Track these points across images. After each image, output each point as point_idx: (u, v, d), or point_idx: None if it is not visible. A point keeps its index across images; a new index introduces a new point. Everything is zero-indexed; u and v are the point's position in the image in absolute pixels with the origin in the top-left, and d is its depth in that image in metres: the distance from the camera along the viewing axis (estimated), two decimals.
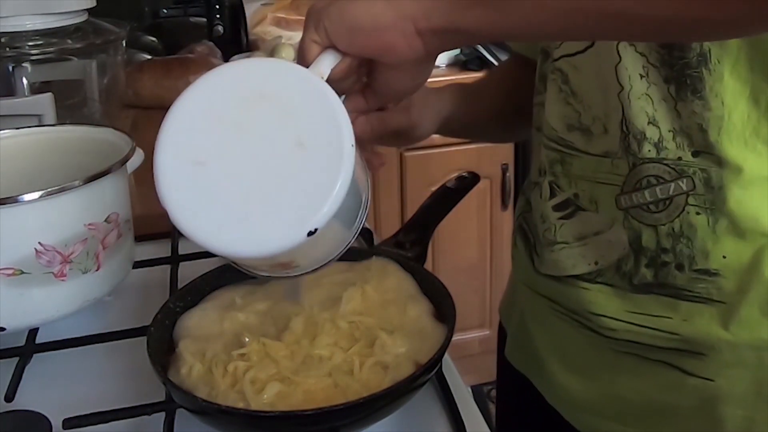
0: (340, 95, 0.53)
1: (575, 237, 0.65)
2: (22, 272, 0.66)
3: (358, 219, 0.54)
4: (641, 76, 0.59)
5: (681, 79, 0.57)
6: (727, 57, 0.56)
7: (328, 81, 0.51)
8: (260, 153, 0.48)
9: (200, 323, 0.64)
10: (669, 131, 0.59)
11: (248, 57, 1.65)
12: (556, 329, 0.71)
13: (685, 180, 0.59)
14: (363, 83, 0.56)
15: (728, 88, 0.56)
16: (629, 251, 0.62)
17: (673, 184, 0.59)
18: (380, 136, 0.64)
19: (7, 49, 1.05)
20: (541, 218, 0.68)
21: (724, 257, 0.59)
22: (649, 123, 0.59)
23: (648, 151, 0.59)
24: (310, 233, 0.46)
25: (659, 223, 0.60)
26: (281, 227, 0.47)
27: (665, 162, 0.59)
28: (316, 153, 0.47)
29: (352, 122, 0.49)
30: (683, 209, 0.59)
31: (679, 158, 0.59)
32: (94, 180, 0.68)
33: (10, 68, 1.06)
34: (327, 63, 0.52)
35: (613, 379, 0.67)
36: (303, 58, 0.52)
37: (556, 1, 0.45)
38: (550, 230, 0.67)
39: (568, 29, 0.49)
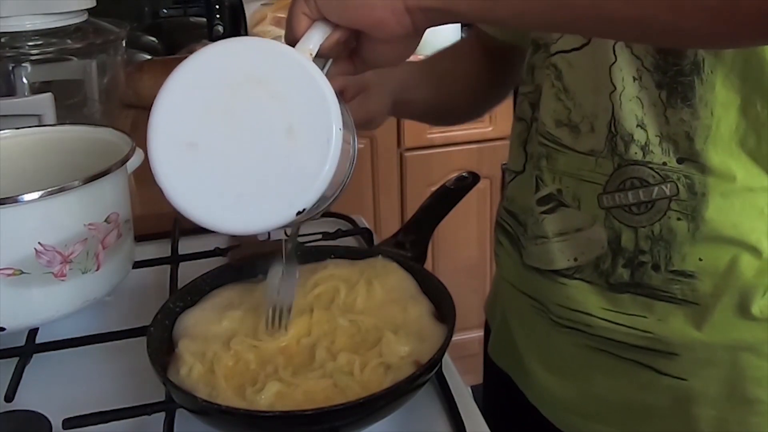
0: (327, 59, 0.54)
1: (555, 232, 0.66)
2: (22, 272, 0.66)
3: (348, 170, 0.55)
4: (634, 79, 0.59)
5: (673, 86, 0.58)
6: (720, 67, 0.56)
7: (316, 54, 0.52)
8: (250, 136, 0.49)
9: (199, 322, 0.63)
10: (656, 136, 0.59)
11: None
12: (535, 327, 0.71)
13: (668, 185, 0.59)
14: (351, 48, 0.56)
15: (719, 98, 0.56)
16: (608, 250, 0.62)
17: (656, 188, 0.59)
18: None
19: (7, 49, 1.05)
20: (529, 211, 0.68)
21: (701, 260, 0.59)
22: (637, 126, 0.59)
23: (634, 153, 0.60)
24: (299, 213, 0.49)
25: (639, 225, 0.61)
26: (272, 207, 0.49)
27: (650, 165, 0.59)
28: (305, 138, 0.49)
29: None
30: (665, 214, 0.59)
31: (664, 163, 0.59)
32: (94, 180, 0.68)
33: (10, 68, 1.06)
34: (316, 38, 0.52)
35: (589, 377, 0.67)
36: (291, 31, 0.53)
37: None
38: (536, 224, 0.67)
39: (556, 23, 0.50)
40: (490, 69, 0.85)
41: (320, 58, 0.53)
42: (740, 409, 0.61)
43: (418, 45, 0.57)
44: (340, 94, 0.69)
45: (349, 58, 0.57)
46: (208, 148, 0.49)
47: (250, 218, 0.49)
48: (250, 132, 0.49)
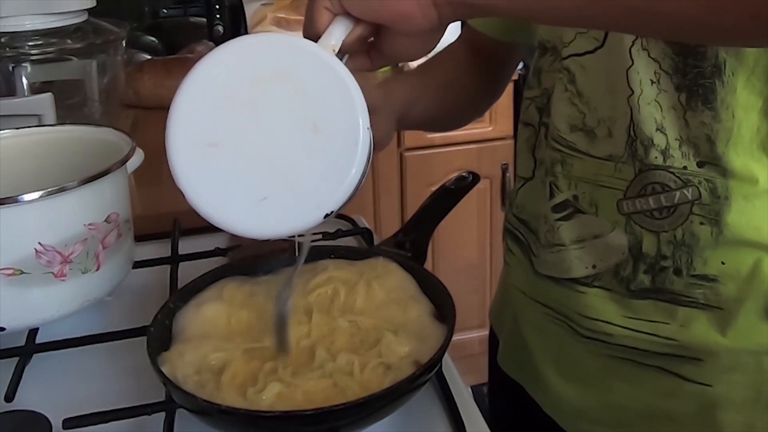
0: (344, 54, 0.53)
1: (572, 239, 0.65)
2: (22, 272, 0.66)
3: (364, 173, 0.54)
4: (652, 82, 0.58)
5: (693, 89, 0.57)
6: (742, 70, 0.55)
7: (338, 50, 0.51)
8: (274, 136, 0.48)
9: (195, 321, 0.63)
10: (675, 140, 0.58)
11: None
12: (551, 336, 0.70)
13: (690, 189, 0.58)
14: (368, 43, 0.55)
15: (740, 100, 0.56)
16: (628, 256, 0.62)
17: (678, 193, 0.58)
18: None
19: (7, 49, 1.05)
20: (543, 218, 0.67)
21: (723, 264, 0.58)
22: (657, 130, 0.58)
23: (655, 157, 0.59)
24: (327, 215, 0.47)
25: (661, 230, 0.60)
26: (298, 210, 0.48)
27: (671, 170, 0.58)
28: (332, 137, 0.47)
29: None
30: (687, 218, 0.59)
31: (685, 167, 0.58)
32: (94, 180, 0.68)
33: (10, 68, 1.06)
34: (338, 33, 0.51)
35: (610, 386, 0.66)
36: (313, 25, 0.51)
37: None
38: (551, 231, 0.66)
39: (584, 17, 0.49)
40: (484, 70, 0.85)
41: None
42: (767, 414, 0.60)
43: (440, 39, 0.55)
44: None
45: (366, 52, 0.56)
46: (230, 148, 0.48)
47: (277, 222, 0.48)
48: (273, 131, 0.48)
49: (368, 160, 0.54)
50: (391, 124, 0.72)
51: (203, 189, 0.48)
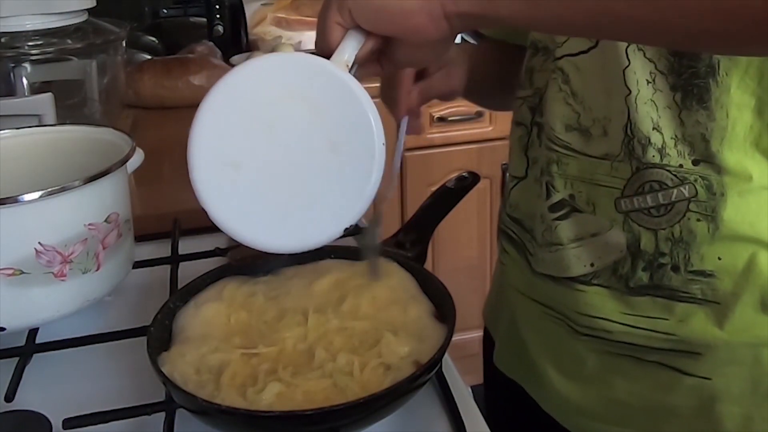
0: (354, 64, 0.54)
1: (570, 238, 0.65)
2: (22, 272, 0.66)
3: None
4: (648, 82, 0.59)
5: (688, 88, 0.58)
6: (735, 70, 0.56)
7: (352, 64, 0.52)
8: (293, 154, 0.50)
9: (195, 321, 0.63)
10: (671, 138, 0.59)
11: (250, 55, 1.64)
12: (550, 335, 0.70)
13: (687, 187, 0.59)
14: (379, 51, 0.56)
15: (734, 99, 0.56)
16: (626, 254, 0.62)
17: (675, 190, 0.59)
18: (425, 103, 0.67)
19: (7, 49, 1.05)
20: (539, 218, 0.68)
21: (719, 259, 0.59)
22: (653, 129, 0.59)
23: (652, 156, 0.59)
24: (347, 228, 0.50)
25: (659, 228, 0.60)
26: (320, 225, 0.50)
27: (668, 168, 0.59)
28: (349, 154, 0.49)
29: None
30: (684, 215, 0.59)
31: (681, 165, 0.59)
32: (94, 180, 0.68)
33: (10, 68, 1.06)
34: (351, 48, 0.52)
35: (610, 382, 0.67)
36: (325, 41, 0.52)
37: (586, 1, 0.46)
38: (548, 230, 0.67)
39: (593, 28, 0.50)
40: (510, 64, 0.85)
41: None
42: (765, 406, 0.61)
43: (451, 47, 0.57)
44: (425, 70, 0.70)
45: (376, 59, 0.56)
46: (252, 167, 0.50)
47: (299, 237, 0.50)
48: (292, 149, 0.50)
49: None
50: (462, 76, 0.74)
51: (226, 207, 0.50)
